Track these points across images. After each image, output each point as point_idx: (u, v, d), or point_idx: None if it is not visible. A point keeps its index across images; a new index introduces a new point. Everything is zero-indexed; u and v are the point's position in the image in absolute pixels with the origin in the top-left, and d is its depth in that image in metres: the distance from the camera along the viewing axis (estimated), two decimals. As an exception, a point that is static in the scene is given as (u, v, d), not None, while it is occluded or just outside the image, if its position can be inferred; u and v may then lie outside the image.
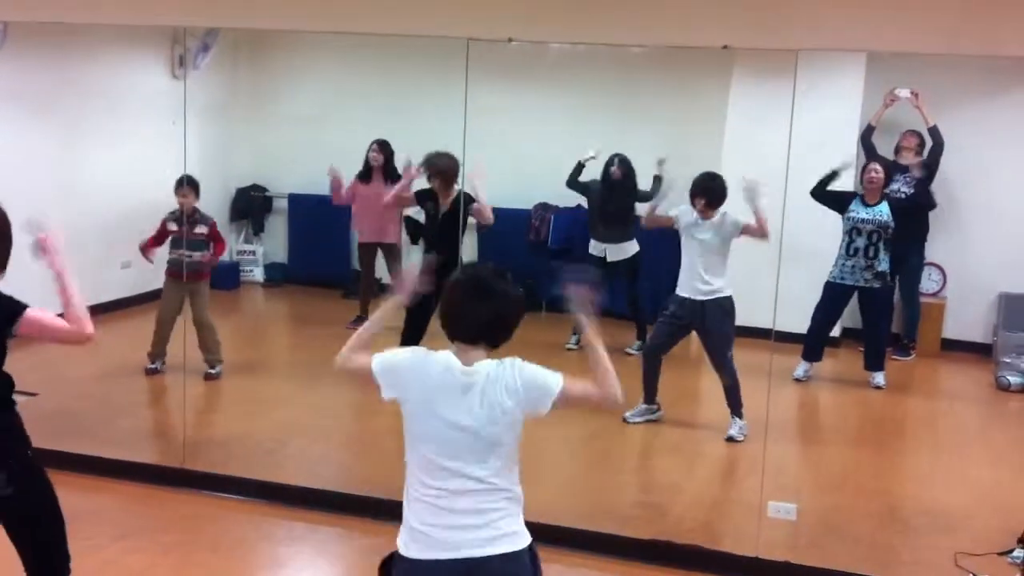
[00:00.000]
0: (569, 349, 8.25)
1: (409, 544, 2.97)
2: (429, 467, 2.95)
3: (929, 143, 8.41)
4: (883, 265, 7.63)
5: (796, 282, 7.55)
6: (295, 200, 10.26)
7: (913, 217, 8.46)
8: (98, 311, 8.75)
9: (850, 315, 8.90)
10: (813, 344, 7.88)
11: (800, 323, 7.78)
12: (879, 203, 7.63)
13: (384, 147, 8.53)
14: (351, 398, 7.09)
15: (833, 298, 7.78)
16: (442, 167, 6.81)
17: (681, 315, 6.59)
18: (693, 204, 6.50)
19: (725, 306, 6.50)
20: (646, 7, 5.01)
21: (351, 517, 5.27)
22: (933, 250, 8.72)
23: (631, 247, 8.26)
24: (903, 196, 8.46)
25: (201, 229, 7.25)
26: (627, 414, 6.77)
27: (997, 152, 8.64)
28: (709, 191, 6.43)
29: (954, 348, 8.71)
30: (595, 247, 8.36)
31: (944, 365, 8.67)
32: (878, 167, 7.66)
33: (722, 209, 6.47)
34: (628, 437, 6.69)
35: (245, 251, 10.39)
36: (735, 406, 6.55)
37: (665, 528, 5.18)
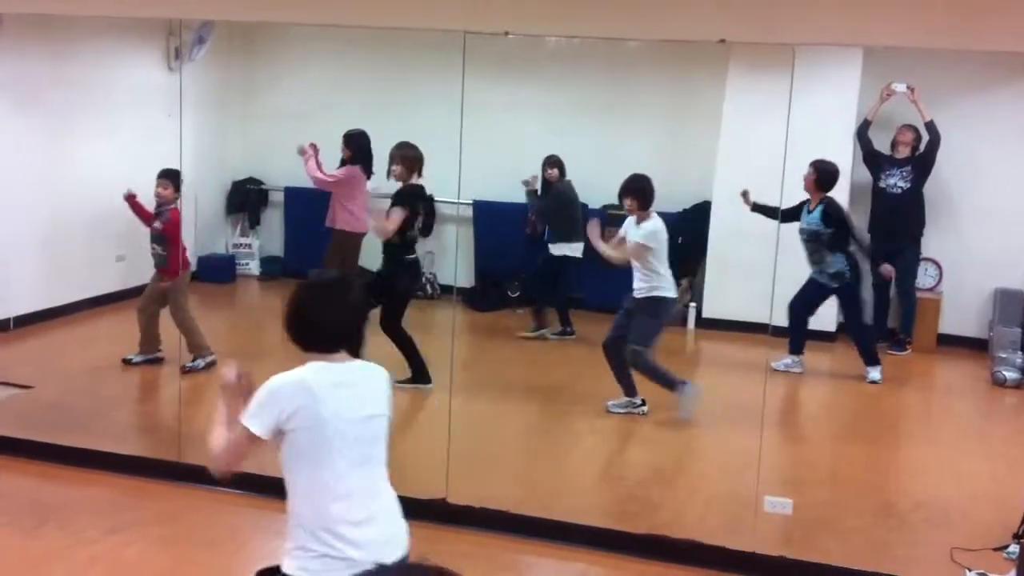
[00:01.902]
0: (523, 337, 8.39)
1: (322, 569, 2.87)
2: (336, 482, 2.91)
3: (925, 138, 8.41)
4: (835, 267, 7.47)
5: (793, 278, 7.60)
6: (291, 193, 10.24)
7: (908, 213, 8.47)
8: (92, 304, 8.79)
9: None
10: (792, 336, 7.86)
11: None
12: (815, 210, 7.46)
13: (347, 140, 8.27)
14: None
15: (808, 290, 7.68)
16: (402, 155, 6.93)
17: (627, 312, 6.67)
18: (621, 203, 6.64)
19: (654, 304, 6.54)
20: (643, 1, 4.99)
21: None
22: (929, 245, 8.71)
23: (573, 248, 8.30)
24: (899, 191, 8.47)
25: (158, 224, 7.11)
26: (609, 403, 6.77)
27: (993, 147, 8.63)
28: (638, 192, 6.55)
29: (950, 343, 8.70)
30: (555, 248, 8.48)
31: (940, 360, 8.67)
32: (810, 169, 7.42)
33: (653, 211, 6.60)
34: (622, 432, 6.68)
35: (241, 244, 10.36)
36: (627, 387, 6.68)
37: (660, 523, 5.17)
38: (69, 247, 8.49)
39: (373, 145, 8.12)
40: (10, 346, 7.77)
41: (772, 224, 6.70)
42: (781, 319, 7.43)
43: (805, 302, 7.72)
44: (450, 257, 9.54)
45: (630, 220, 6.70)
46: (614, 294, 6.92)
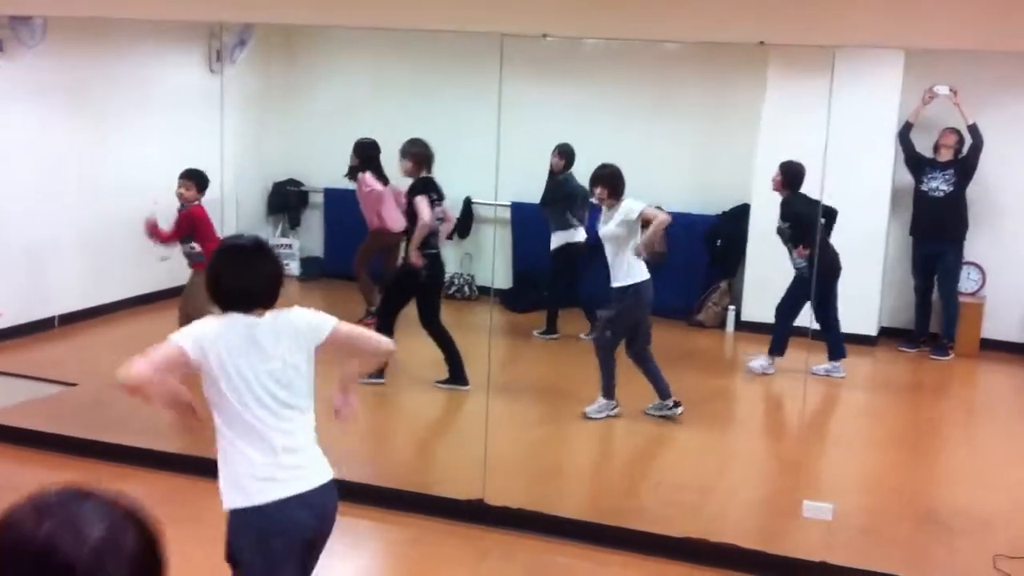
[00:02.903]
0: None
1: (253, 494, 3.17)
2: (246, 412, 3.14)
3: (968, 141, 8.32)
4: (795, 264, 7.49)
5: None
6: (331, 194, 10.30)
7: (951, 216, 8.39)
8: (136, 303, 8.88)
9: (890, 314, 8.85)
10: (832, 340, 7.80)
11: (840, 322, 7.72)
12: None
13: (355, 148, 8.45)
14: (379, 392, 7.12)
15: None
16: (412, 151, 7.03)
17: (610, 303, 6.64)
18: (592, 193, 6.64)
19: (625, 293, 6.48)
20: (681, 2, 4.98)
21: (382, 510, 5.29)
22: (972, 249, 8.61)
23: (572, 235, 8.23)
24: (941, 194, 8.38)
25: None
26: (648, 407, 6.75)
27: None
28: (608, 180, 6.53)
29: (993, 348, 8.59)
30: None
31: (982, 365, 8.57)
32: (776, 170, 7.45)
33: (625, 199, 6.53)
34: (660, 435, 6.66)
35: (281, 245, 10.43)
36: (604, 387, 6.60)
37: (698, 526, 5.15)
38: (113, 246, 8.60)
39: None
40: (55, 344, 7.89)
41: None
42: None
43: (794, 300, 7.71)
44: (487, 258, 9.57)
45: (602, 214, 6.66)
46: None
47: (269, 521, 3.14)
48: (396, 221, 8.15)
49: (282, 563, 3.18)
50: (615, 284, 6.48)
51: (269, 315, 3.22)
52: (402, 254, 7.42)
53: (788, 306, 7.60)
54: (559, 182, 8.42)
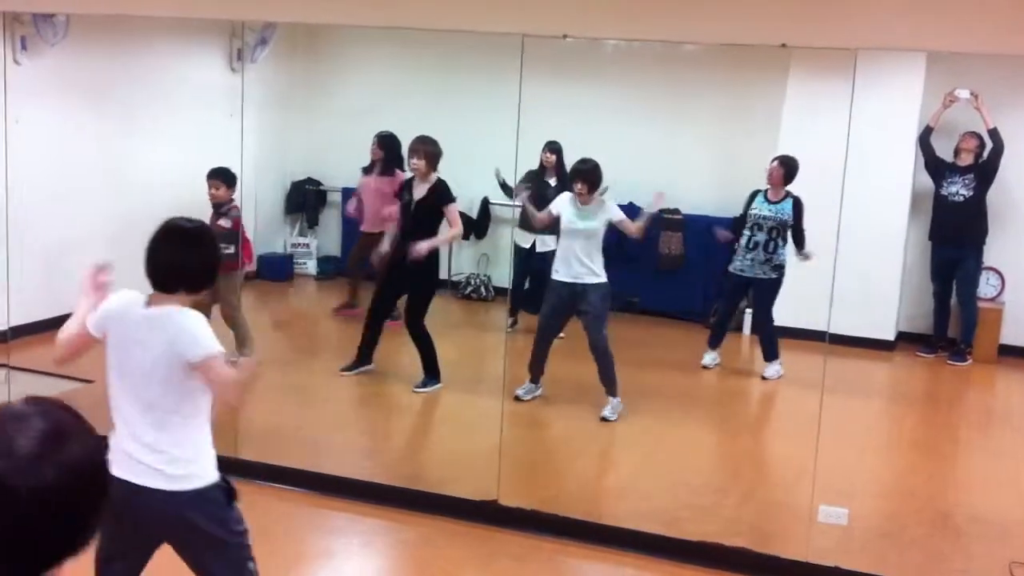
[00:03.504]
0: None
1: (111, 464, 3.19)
2: (119, 395, 3.23)
3: (989, 145, 8.27)
4: (781, 258, 7.55)
5: (852, 284, 7.49)
6: (349, 194, 10.28)
7: (970, 221, 8.34)
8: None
9: (908, 320, 8.80)
10: (717, 332, 8.03)
11: (855, 325, 7.67)
12: (782, 200, 7.53)
13: (383, 141, 8.49)
14: (397, 393, 7.13)
15: (733, 289, 7.89)
16: (426, 150, 6.96)
17: (564, 299, 6.66)
18: (572, 189, 6.67)
19: (604, 290, 6.57)
20: (702, 4, 4.97)
21: (395, 510, 5.30)
22: (991, 254, 8.56)
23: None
24: (961, 199, 8.34)
25: (224, 223, 6.96)
26: (519, 391, 6.78)
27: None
28: (590, 175, 6.56)
29: (1011, 354, 8.54)
30: (522, 237, 8.43)
31: (1001, 371, 8.52)
32: (776, 163, 7.54)
33: (601, 195, 6.63)
34: (676, 438, 6.65)
35: (299, 244, 10.48)
36: (609, 385, 6.61)
37: (712, 530, 5.14)
38: (131, 244, 8.56)
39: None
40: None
41: (830, 228, 6.61)
42: (839, 327, 7.34)
43: (730, 301, 8.01)
44: (504, 259, 9.56)
45: (564, 200, 6.68)
46: (669, 296, 6.85)
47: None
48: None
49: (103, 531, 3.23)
50: (595, 280, 6.52)
51: (165, 311, 3.22)
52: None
53: (763, 312, 7.73)
54: (563, 180, 8.35)
